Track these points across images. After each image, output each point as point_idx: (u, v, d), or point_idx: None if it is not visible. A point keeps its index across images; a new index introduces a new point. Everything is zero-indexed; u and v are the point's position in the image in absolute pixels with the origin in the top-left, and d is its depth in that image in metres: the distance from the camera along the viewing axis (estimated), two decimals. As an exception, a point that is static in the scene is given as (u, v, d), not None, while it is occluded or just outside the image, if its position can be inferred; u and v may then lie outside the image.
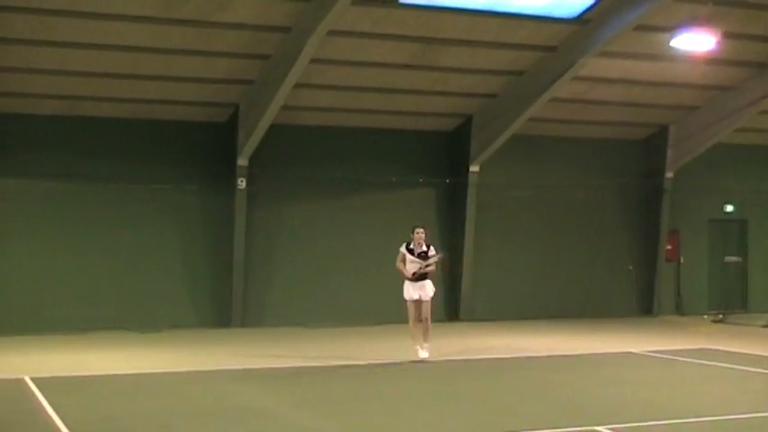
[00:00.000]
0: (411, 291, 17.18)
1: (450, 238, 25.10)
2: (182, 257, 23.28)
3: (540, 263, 26.25)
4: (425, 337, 17.23)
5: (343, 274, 24.35)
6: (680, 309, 27.42)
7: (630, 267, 27.19)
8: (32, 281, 22.11)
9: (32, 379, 14.70)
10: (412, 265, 17.16)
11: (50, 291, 22.17)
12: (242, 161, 22.88)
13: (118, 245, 22.77)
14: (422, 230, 17.33)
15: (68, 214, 22.44)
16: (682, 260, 27.71)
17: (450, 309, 25.13)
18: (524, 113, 23.17)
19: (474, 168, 24.75)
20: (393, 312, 24.08)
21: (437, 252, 17.44)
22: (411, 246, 17.29)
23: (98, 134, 22.62)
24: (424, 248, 17.25)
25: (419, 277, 17.10)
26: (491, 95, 23.83)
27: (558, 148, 26.28)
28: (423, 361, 16.93)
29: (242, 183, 23.00)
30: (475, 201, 24.92)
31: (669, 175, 26.91)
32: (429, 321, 17.21)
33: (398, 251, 17.35)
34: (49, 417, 11.83)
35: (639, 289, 27.28)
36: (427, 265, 17.15)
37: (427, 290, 17.19)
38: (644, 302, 27.27)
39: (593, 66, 22.12)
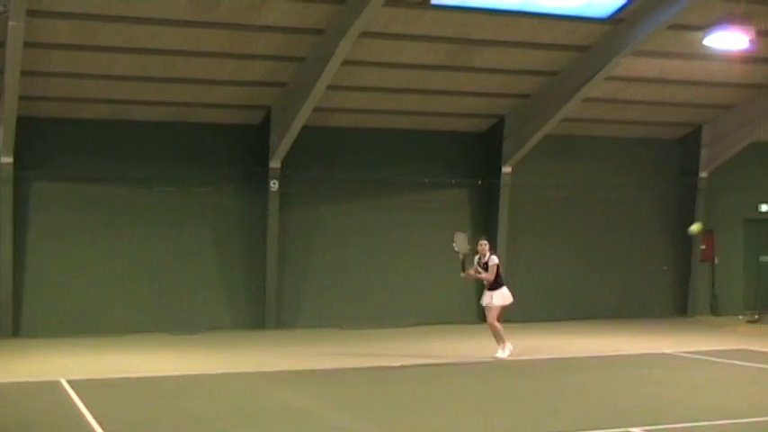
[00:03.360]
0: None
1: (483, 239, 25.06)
2: (217, 260, 23.37)
3: (575, 264, 26.14)
4: (496, 339, 17.97)
5: (377, 275, 24.37)
6: (715, 309, 27.24)
7: (665, 267, 27.05)
8: (69, 283, 22.27)
9: (68, 381, 14.78)
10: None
11: (86, 293, 22.33)
12: (274, 163, 22.97)
13: (154, 247, 22.91)
14: (484, 242, 18.13)
15: (106, 217, 22.58)
16: (717, 260, 27.51)
17: (483, 311, 25.04)
18: (558, 113, 23.11)
19: (507, 169, 24.71)
20: (427, 313, 24.26)
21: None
22: (478, 256, 18.07)
23: (137, 137, 22.79)
24: (486, 259, 17.97)
25: (489, 286, 18.01)
26: (524, 96, 23.78)
27: (591, 148, 26.18)
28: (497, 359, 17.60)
29: (274, 185, 23.06)
30: (508, 202, 24.86)
31: (704, 174, 26.74)
32: (492, 327, 17.89)
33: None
34: (85, 419, 11.88)
35: (674, 289, 27.14)
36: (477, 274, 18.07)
37: (488, 299, 17.97)
38: (679, 303, 27.12)
39: (626, 65, 22.01)
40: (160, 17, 18.96)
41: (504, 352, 17.63)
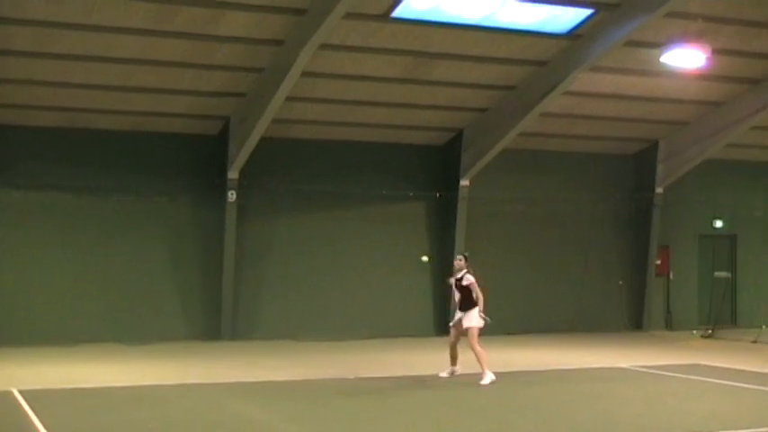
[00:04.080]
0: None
1: (440, 252, 25.09)
2: (173, 270, 23.23)
3: (530, 277, 26.25)
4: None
5: (334, 287, 24.33)
6: (669, 324, 27.48)
7: (620, 282, 27.21)
8: (22, 292, 22.03)
9: (21, 392, 14.61)
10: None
11: (40, 302, 22.10)
12: (232, 174, 22.87)
13: (109, 257, 22.73)
14: (460, 257, 16.81)
15: (61, 225, 22.40)
16: (671, 275, 27.77)
17: (440, 324, 25.09)
18: (515, 128, 23.20)
19: (464, 182, 24.77)
20: (384, 326, 24.24)
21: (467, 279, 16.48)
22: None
23: (95, 146, 22.65)
24: (460, 275, 16.55)
25: (459, 305, 16.64)
26: (482, 110, 23.87)
27: (548, 163, 26.33)
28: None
29: (232, 195, 22.97)
30: (465, 215, 24.91)
31: (659, 190, 26.97)
32: (473, 349, 16.43)
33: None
34: (36, 430, 11.76)
35: (629, 304, 27.31)
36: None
37: (458, 320, 16.69)
38: (634, 317, 27.29)
39: (583, 81, 22.16)
40: (119, 26, 18.83)
41: (485, 379, 16.11)
